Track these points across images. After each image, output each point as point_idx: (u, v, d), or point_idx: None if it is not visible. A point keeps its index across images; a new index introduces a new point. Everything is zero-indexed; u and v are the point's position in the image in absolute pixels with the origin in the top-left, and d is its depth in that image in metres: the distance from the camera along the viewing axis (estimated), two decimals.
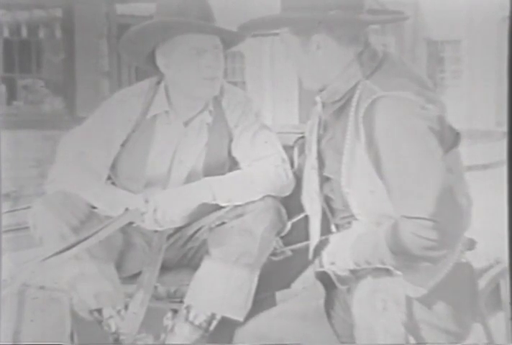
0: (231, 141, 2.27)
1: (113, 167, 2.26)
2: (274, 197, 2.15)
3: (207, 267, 2.10)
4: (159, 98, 2.24)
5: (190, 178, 2.22)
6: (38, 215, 2.09)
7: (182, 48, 2.14)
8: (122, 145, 2.24)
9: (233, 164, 2.29)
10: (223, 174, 2.21)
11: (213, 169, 2.23)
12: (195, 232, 2.26)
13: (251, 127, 2.26)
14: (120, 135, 2.23)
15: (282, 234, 2.18)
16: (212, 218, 2.19)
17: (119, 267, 2.18)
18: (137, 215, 2.08)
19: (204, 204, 2.15)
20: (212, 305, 2.07)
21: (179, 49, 2.14)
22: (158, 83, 2.26)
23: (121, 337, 2.07)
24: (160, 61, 2.20)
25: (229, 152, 2.28)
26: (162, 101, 2.23)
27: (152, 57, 2.21)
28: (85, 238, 1.98)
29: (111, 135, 2.23)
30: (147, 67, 2.27)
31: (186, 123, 2.24)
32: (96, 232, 2.00)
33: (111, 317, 2.09)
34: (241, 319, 2.04)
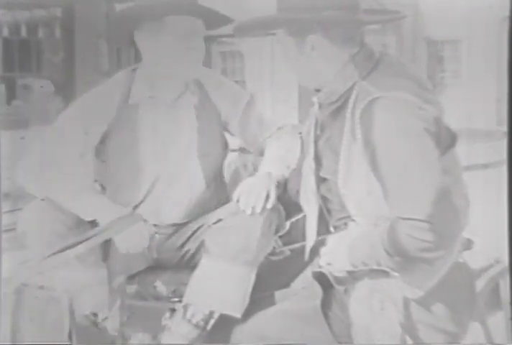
0: (221, 119, 2.28)
1: (105, 167, 2.24)
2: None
3: (205, 265, 2.10)
4: (138, 85, 2.22)
5: (186, 160, 2.23)
6: (27, 222, 2.08)
7: (165, 30, 2.13)
8: (104, 139, 2.22)
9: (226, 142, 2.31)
10: (218, 152, 2.24)
11: (206, 149, 2.24)
12: (194, 232, 2.26)
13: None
14: (100, 126, 2.21)
15: (281, 234, 2.18)
16: (210, 217, 2.19)
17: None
18: (136, 220, 2.05)
19: (206, 203, 2.16)
20: (210, 302, 2.06)
21: (162, 32, 2.14)
22: (134, 70, 2.25)
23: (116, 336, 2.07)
24: (141, 43, 2.19)
25: (222, 130, 2.29)
26: (143, 87, 2.22)
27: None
28: (77, 244, 1.97)
29: (89, 129, 2.20)
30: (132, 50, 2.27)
31: (170, 107, 2.23)
32: (90, 238, 1.98)
33: (106, 318, 2.08)
34: (238, 315, 2.03)
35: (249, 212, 2.03)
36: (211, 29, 2.22)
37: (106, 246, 2.16)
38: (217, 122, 2.28)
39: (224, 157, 2.33)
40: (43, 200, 2.14)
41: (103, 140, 2.23)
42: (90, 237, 1.97)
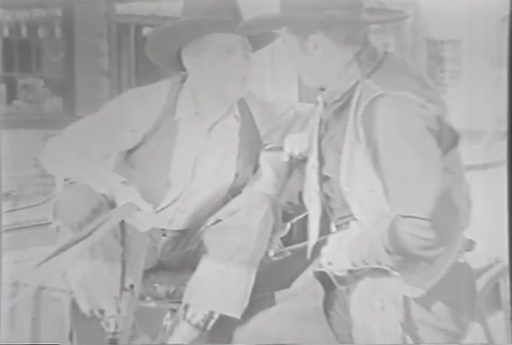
0: (261, 141, 2.26)
1: (133, 167, 2.22)
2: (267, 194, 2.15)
3: (204, 265, 2.10)
4: (184, 99, 2.20)
5: (217, 182, 2.21)
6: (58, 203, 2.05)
7: (211, 47, 2.12)
8: (142, 142, 2.19)
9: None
10: (250, 173, 2.23)
11: (243, 172, 2.24)
12: (194, 234, 2.26)
13: None
14: (144, 128, 2.18)
15: (282, 235, 2.18)
16: (210, 219, 2.19)
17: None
18: (130, 210, 1.99)
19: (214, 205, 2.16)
20: (209, 302, 2.06)
21: (208, 49, 2.12)
22: (182, 82, 2.22)
23: (118, 336, 2.07)
24: (187, 60, 2.17)
25: (259, 153, 2.27)
26: (188, 102, 2.19)
27: (177, 57, 2.19)
28: (83, 237, 1.95)
29: (135, 128, 2.18)
30: (171, 68, 2.24)
31: (210, 127, 2.21)
32: (92, 231, 1.96)
33: (112, 316, 2.08)
34: (237, 316, 2.03)
35: None
36: (259, 47, 2.20)
37: (124, 240, 2.13)
38: (257, 146, 2.26)
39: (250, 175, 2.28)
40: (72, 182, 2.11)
41: (138, 145, 2.20)
42: (92, 231, 1.94)
